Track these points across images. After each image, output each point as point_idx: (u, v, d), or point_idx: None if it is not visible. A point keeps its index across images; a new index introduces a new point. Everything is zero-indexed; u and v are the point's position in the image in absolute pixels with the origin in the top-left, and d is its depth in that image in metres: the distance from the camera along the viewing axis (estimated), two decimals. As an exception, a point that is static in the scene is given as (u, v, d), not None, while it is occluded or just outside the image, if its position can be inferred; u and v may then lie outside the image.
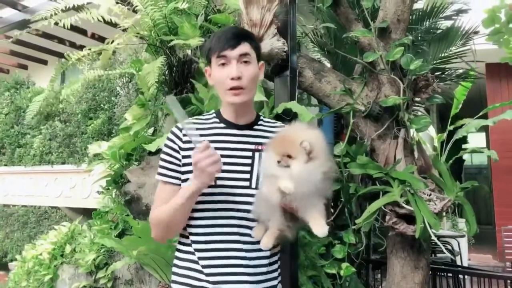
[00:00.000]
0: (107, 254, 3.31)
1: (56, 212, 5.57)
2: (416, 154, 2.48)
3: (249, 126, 1.41)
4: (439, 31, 3.56)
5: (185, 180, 1.35)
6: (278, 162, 1.19)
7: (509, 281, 2.76)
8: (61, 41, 6.41)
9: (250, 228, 1.32)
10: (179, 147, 1.37)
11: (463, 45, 3.40)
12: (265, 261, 1.37)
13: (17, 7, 5.89)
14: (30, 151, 5.81)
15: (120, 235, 3.15)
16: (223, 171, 1.33)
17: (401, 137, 2.38)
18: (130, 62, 3.09)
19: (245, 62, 1.32)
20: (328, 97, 2.53)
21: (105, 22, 2.89)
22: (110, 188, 3.14)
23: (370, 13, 2.42)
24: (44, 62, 8.05)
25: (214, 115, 1.45)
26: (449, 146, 2.87)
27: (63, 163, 5.38)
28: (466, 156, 9.78)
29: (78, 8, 2.70)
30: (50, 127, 5.53)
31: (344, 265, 2.33)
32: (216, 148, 1.35)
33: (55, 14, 2.61)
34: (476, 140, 10.28)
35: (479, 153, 4.53)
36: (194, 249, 1.36)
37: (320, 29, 3.45)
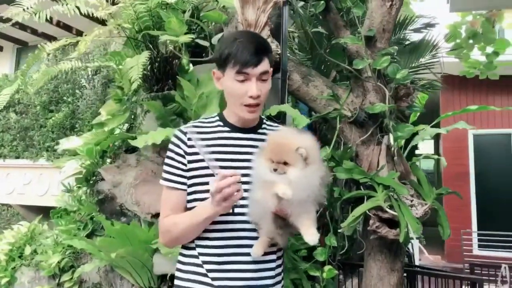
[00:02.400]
0: (73, 256, 3.13)
1: (7, 209, 5.20)
2: (396, 160, 2.56)
3: (254, 130, 1.41)
4: (407, 43, 3.73)
5: (191, 185, 1.34)
6: (275, 170, 1.18)
7: (472, 282, 2.93)
8: (22, 27, 5.95)
9: (255, 231, 1.32)
10: (185, 151, 1.35)
11: (432, 57, 3.59)
12: (272, 265, 1.38)
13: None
14: (-21, 143, 5.38)
15: (89, 236, 3.00)
16: None
17: (384, 143, 2.46)
18: (108, 54, 2.93)
19: (264, 80, 1.32)
20: (315, 101, 2.55)
21: (81, 14, 2.73)
22: (80, 186, 2.97)
23: (359, 21, 2.47)
24: (-1, 48, 7.51)
25: (217, 118, 1.43)
26: (406, 152, 3.02)
27: (17, 157, 5.02)
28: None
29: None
30: (4, 118, 5.14)
31: (327, 267, 2.36)
32: (222, 152, 1.36)
33: (31, 7, 2.42)
34: (425, 146, 10.89)
35: (431, 158, 4.82)
36: (198, 253, 1.34)
37: (295, 33, 3.46)
